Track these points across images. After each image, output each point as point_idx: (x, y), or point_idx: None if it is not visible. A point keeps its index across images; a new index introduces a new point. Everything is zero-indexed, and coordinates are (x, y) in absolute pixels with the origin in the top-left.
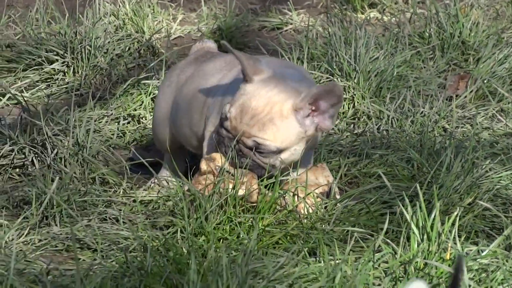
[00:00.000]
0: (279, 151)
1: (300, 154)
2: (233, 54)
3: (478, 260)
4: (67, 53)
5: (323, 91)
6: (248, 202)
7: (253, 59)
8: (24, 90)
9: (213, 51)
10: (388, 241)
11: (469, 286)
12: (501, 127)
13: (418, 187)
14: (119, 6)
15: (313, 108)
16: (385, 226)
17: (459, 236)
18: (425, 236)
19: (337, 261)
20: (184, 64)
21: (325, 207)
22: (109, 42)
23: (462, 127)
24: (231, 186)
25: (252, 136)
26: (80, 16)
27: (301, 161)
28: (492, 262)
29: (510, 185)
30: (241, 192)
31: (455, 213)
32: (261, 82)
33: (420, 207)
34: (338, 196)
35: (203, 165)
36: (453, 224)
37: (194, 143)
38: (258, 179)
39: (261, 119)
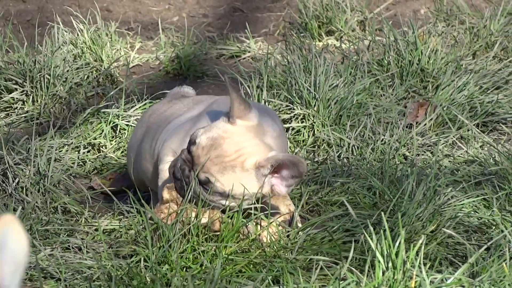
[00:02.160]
0: (227, 195)
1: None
2: (230, 93)
3: None
4: (26, 82)
5: (288, 161)
6: (211, 231)
7: (245, 104)
8: None
9: (188, 96)
10: (353, 269)
11: None
12: (461, 154)
13: (383, 215)
14: (78, 35)
15: (275, 170)
16: (350, 254)
17: (424, 264)
18: (390, 264)
19: None
20: (158, 106)
21: (288, 236)
22: (68, 71)
23: (422, 154)
24: (193, 214)
25: (208, 173)
26: (39, 45)
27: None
28: None
29: (472, 212)
30: (203, 221)
31: (420, 241)
32: (242, 128)
33: (385, 235)
34: (300, 225)
35: (165, 194)
36: (417, 253)
37: (154, 179)
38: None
39: (224, 162)
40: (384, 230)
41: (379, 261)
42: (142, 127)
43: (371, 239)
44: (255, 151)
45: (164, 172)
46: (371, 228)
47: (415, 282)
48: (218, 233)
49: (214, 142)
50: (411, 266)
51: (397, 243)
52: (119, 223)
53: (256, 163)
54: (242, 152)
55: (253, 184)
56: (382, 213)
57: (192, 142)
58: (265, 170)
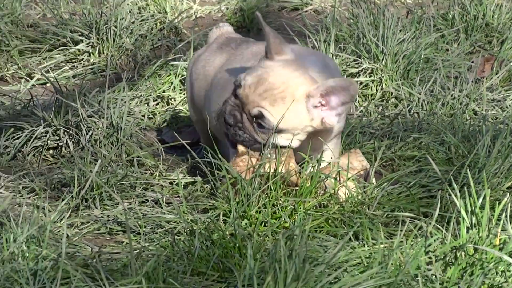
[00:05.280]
0: (279, 130)
1: (299, 143)
2: (263, 29)
3: None
4: (92, 34)
5: (338, 86)
6: (288, 185)
7: (280, 39)
8: (50, 71)
9: (232, 36)
10: (438, 226)
11: None
12: None
13: (469, 172)
14: None
15: (324, 101)
16: (436, 212)
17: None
18: (474, 221)
19: (382, 246)
20: (208, 54)
21: (365, 192)
22: (133, 22)
23: (492, 110)
24: (272, 168)
25: (260, 106)
26: None
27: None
28: None
29: None
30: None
31: (506, 199)
32: (282, 61)
33: (469, 192)
34: (374, 180)
35: (241, 147)
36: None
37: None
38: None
39: (274, 94)
40: (464, 186)
41: (463, 219)
42: (198, 79)
43: (456, 196)
44: (302, 81)
45: None
46: (455, 186)
47: (500, 239)
48: (296, 187)
49: (260, 78)
50: (496, 223)
51: (480, 200)
52: (195, 177)
53: (306, 93)
54: (289, 84)
55: (304, 116)
56: (468, 170)
57: (237, 86)
58: (315, 100)
